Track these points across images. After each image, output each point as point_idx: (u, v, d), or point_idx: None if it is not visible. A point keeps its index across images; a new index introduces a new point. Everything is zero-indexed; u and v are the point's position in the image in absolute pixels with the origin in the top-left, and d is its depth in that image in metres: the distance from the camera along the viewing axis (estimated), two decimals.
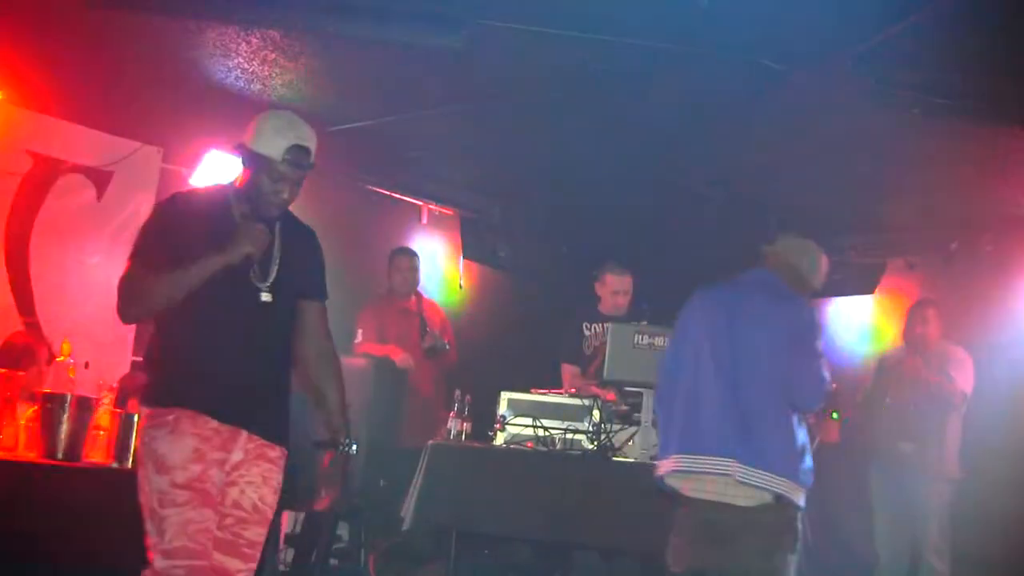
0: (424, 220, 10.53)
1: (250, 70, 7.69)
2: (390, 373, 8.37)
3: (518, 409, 7.26)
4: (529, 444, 7.12)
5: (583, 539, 7.06)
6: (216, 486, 4.45)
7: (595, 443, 7.04)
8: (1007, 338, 9.23)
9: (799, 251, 5.90)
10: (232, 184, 4.70)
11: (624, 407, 7.24)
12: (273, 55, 7.43)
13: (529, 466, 6.98)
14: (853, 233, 9.99)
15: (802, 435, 5.66)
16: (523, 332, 10.24)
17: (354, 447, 4.79)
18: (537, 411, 7.22)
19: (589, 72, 7.22)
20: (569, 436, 7.13)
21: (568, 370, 8.13)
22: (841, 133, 7.89)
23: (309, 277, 4.82)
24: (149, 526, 4.38)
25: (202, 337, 4.51)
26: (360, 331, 8.77)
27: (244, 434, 4.54)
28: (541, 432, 7.14)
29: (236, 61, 7.55)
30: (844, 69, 6.79)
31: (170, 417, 4.42)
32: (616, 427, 7.08)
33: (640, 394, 7.15)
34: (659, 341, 6.99)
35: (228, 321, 4.54)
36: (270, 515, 4.64)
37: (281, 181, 4.56)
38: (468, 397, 7.55)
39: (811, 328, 5.71)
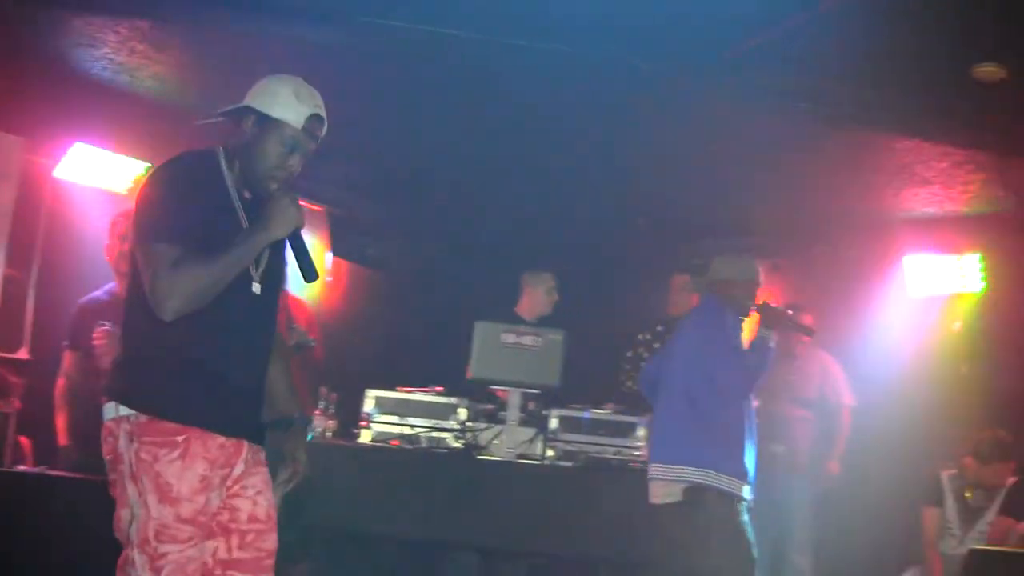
0: None
1: (117, 60, 7.54)
2: None
3: (384, 407, 7.25)
4: (394, 442, 7.10)
5: (450, 538, 7.05)
6: (213, 512, 4.04)
7: (461, 441, 7.05)
8: (869, 340, 9.39)
9: (725, 268, 6.57)
10: (221, 150, 4.26)
11: (490, 406, 7.26)
12: (142, 46, 7.30)
13: (395, 465, 6.97)
14: (719, 235, 10.09)
15: (732, 427, 6.15)
16: (391, 330, 10.22)
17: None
18: (403, 409, 7.23)
19: (462, 70, 7.20)
20: (435, 434, 7.14)
21: None
22: (707, 134, 7.96)
23: (287, 260, 4.43)
24: (136, 556, 3.88)
25: (206, 337, 4.03)
26: None
27: (246, 445, 4.15)
28: (407, 430, 7.13)
29: (103, 51, 7.40)
30: (712, 71, 6.87)
31: (180, 438, 3.93)
32: (482, 426, 7.10)
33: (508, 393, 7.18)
34: (527, 340, 7.02)
35: (230, 318, 4.08)
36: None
37: (295, 152, 4.25)
38: (334, 395, 7.49)
39: (718, 328, 6.31)
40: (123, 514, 3.95)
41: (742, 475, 6.08)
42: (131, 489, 3.91)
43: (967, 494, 7.87)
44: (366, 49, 6.98)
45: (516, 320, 7.99)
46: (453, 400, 7.22)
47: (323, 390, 7.52)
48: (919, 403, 9.30)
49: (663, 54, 6.72)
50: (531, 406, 7.22)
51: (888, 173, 8.61)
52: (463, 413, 7.14)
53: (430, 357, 8.29)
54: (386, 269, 10.74)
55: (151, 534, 3.87)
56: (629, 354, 8.69)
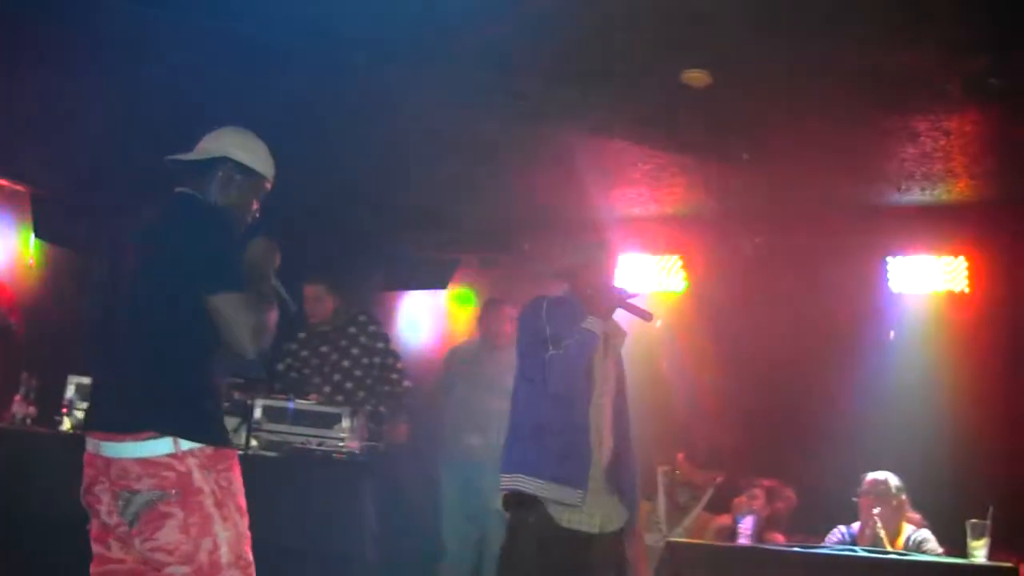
0: None
1: None
2: None
3: (86, 394, 7.06)
4: None
5: None
6: None
7: None
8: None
9: (565, 254, 6.25)
10: (207, 196, 4.62)
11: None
12: None
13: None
14: (429, 229, 10.17)
15: (550, 428, 5.73)
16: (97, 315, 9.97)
17: None
18: None
19: (174, 56, 7.07)
20: None
21: None
22: (422, 129, 8.02)
23: None
24: (233, 573, 4.21)
25: (221, 370, 4.44)
26: None
27: None
28: None
29: None
30: (429, 67, 6.92)
31: (233, 459, 4.34)
32: None
33: None
34: None
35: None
36: None
37: (258, 200, 4.68)
38: (34, 380, 7.30)
39: (530, 320, 5.93)
40: (204, 543, 4.17)
41: (563, 478, 5.65)
42: (217, 515, 4.18)
43: (676, 492, 8.13)
44: (81, 25, 6.80)
45: None
46: None
47: (24, 375, 7.33)
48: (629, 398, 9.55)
49: (378, 48, 6.74)
50: (236, 395, 7.16)
51: (596, 173, 8.79)
52: None
53: None
54: (89, 251, 10.48)
55: (244, 548, 4.25)
56: (279, 366, 8.59)
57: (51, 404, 7.23)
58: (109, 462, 4.26)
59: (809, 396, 9.21)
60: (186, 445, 4.17)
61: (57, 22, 6.78)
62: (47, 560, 7.36)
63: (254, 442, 7.01)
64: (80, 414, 7.02)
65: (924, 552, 7.08)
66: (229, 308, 4.22)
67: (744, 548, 6.66)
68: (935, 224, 9.02)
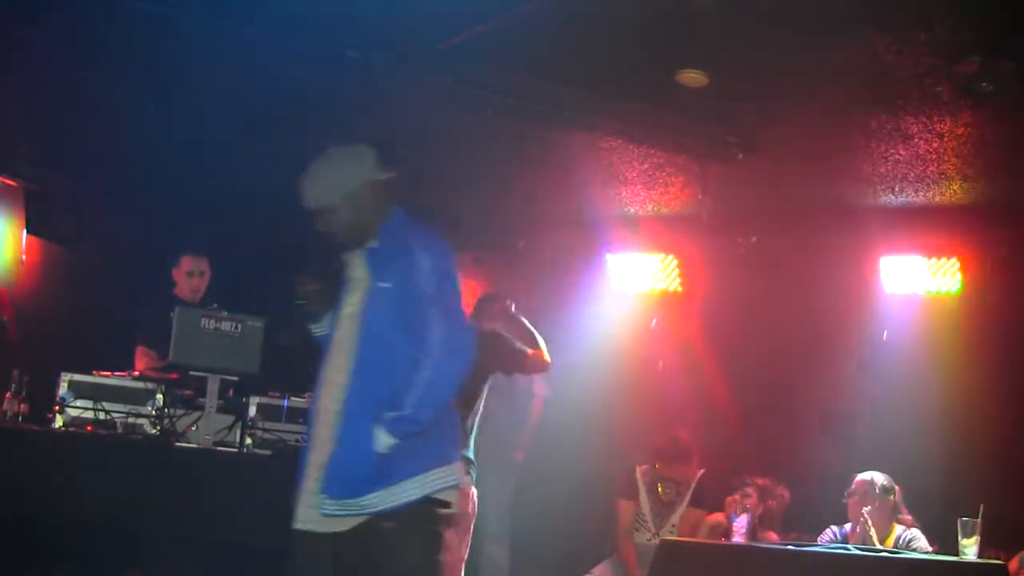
0: None
1: None
2: None
3: (79, 391, 7.06)
4: (89, 427, 6.94)
5: (144, 526, 6.92)
6: None
7: (157, 428, 6.94)
8: (568, 332, 9.57)
9: None
10: None
11: (188, 392, 7.15)
12: None
13: (87, 450, 6.80)
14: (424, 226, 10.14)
15: None
16: (89, 312, 9.96)
17: None
18: (99, 393, 7.05)
19: (170, 49, 7.08)
20: (131, 420, 7.00)
21: (147, 352, 7.91)
22: (417, 127, 8.02)
23: None
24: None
25: None
26: None
27: None
28: (102, 415, 6.98)
29: None
30: (423, 64, 6.93)
31: None
32: (180, 412, 6.99)
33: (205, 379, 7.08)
34: (226, 326, 6.95)
35: None
36: None
37: None
38: (26, 377, 7.27)
39: None
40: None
41: None
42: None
43: (659, 489, 8.12)
44: (71, 19, 6.79)
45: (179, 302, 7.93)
46: (150, 385, 7.08)
47: (15, 372, 7.29)
48: (617, 396, 9.57)
49: (376, 45, 6.74)
50: (230, 393, 7.16)
51: (591, 171, 8.81)
52: (161, 399, 7.01)
53: (129, 341, 8.12)
54: (82, 248, 10.45)
55: None
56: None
57: (43, 402, 7.19)
58: None
59: (802, 395, 9.23)
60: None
61: (55, 18, 6.79)
62: (36, 558, 7.38)
63: (248, 440, 7.01)
64: (74, 412, 6.99)
65: (914, 551, 7.09)
66: None
67: (738, 546, 6.67)
68: (928, 225, 9.04)
